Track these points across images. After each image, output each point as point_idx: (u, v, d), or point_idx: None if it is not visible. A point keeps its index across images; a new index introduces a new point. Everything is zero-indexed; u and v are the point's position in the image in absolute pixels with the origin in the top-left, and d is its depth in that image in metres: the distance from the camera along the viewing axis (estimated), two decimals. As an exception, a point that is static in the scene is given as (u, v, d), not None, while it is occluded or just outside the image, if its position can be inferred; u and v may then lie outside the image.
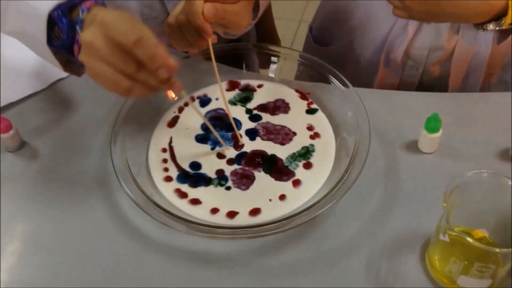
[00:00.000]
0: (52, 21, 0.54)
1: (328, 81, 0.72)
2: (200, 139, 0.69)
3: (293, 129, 0.70)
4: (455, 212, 0.53)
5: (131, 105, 0.69)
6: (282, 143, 0.68)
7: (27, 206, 0.64)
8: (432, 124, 0.63)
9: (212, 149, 0.68)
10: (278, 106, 0.73)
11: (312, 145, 0.67)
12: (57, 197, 0.65)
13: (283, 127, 0.70)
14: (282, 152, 0.67)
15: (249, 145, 0.68)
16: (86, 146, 0.70)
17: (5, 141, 0.68)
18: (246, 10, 0.63)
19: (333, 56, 0.90)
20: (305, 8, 1.95)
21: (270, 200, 0.61)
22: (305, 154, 0.66)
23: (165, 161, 0.66)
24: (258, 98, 0.74)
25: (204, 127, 0.71)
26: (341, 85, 0.70)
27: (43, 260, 0.59)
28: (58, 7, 0.54)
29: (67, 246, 0.60)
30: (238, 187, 0.63)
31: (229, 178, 0.64)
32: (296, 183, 0.63)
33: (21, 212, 0.64)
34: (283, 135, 0.69)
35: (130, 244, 0.60)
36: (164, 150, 0.68)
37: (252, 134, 0.70)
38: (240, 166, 0.65)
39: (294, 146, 0.67)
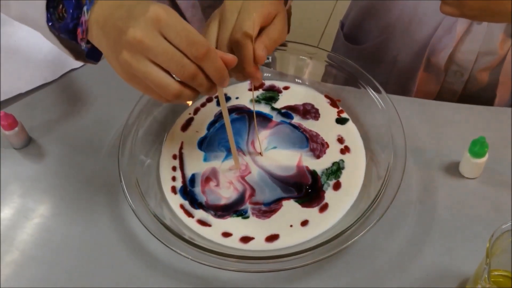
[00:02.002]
0: (59, 0, 0.50)
1: (358, 85, 0.64)
2: (201, 142, 0.63)
3: (326, 139, 0.63)
4: (498, 255, 0.47)
5: (145, 104, 0.64)
6: (318, 156, 0.61)
7: (29, 210, 0.60)
8: (478, 149, 0.56)
9: (205, 159, 0.61)
10: (308, 110, 0.66)
11: (342, 161, 0.60)
12: (62, 203, 0.61)
13: (317, 134, 0.63)
14: (318, 169, 0.60)
15: (270, 157, 0.61)
16: (97, 145, 0.66)
17: (10, 138, 0.64)
18: (285, 21, 0.56)
19: (366, 56, 0.82)
20: (336, 1, 1.82)
21: (291, 226, 0.55)
22: (336, 171, 0.60)
23: (174, 169, 0.61)
24: (285, 100, 0.68)
25: (208, 126, 0.65)
26: (373, 92, 0.63)
27: (41, 271, 0.56)
28: None
29: (66, 257, 0.57)
30: (258, 217, 0.56)
31: (249, 210, 0.57)
32: (324, 208, 0.56)
33: (21, 216, 0.60)
34: (320, 146, 0.62)
35: (133, 260, 0.56)
36: (174, 157, 0.62)
37: (295, 130, 0.62)
38: (266, 208, 0.57)
39: (326, 161, 0.60)
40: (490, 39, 0.71)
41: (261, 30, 0.54)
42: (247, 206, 0.57)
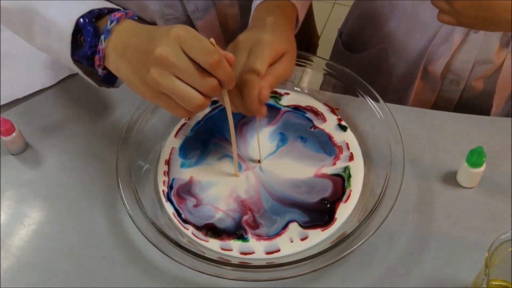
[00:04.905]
0: (77, 28, 0.53)
1: (356, 94, 0.65)
2: (182, 146, 0.63)
3: (339, 143, 0.62)
4: (497, 265, 0.47)
5: (144, 111, 0.64)
6: (334, 163, 0.60)
7: (25, 216, 0.60)
8: (475, 158, 0.56)
9: (182, 165, 0.60)
10: (315, 111, 0.66)
11: (349, 167, 0.60)
12: (59, 209, 0.61)
13: (331, 136, 0.63)
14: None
15: (272, 162, 0.61)
16: (94, 151, 0.66)
17: (7, 144, 0.64)
18: (292, 59, 0.58)
19: (364, 64, 0.83)
20: (331, 9, 1.81)
21: (292, 241, 0.54)
22: (348, 179, 0.58)
23: (164, 173, 0.61)
24: (288, 101, 0.68)
25: (192, 128, 0.65)
26: (372, 101, 0.63)
27: (38, 277, 0.55)
28: (85, 14, 0.53)
29: (63, 264, 0.56)
30: (259, 241, 0.55)
31: (249, 237, 0.55)
32: (329, 226, 0.55)
33: (18, 223, 0.59)
34: (338, 150, 0.61)
35: (130, 266, 0.55)
36: (165, 162, 0.62)
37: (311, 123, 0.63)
38: (270, 236, 0.54)
39: (339, 167, 0.59)
40: (486, 48, 0.72)
41: (268, 67, 0.55)
42: (249, 235, 0.55)
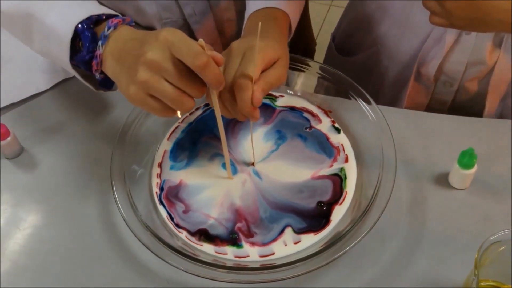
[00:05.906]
0: (76, 33, 0.54)
1: (349, 96, 0.65)
2: (171, 151, 0.63)
3: (336, 145, 0.63)
4: (487, 266, 0.48)
5: (138, 115, 0.65)
6: (332, 165, 0.60)
7: (21, 220, 0.60)
8: (467, 160, 0.57)
9: (171, 168, 0.61)
10: (311, 112, 0.67)
11: (344, 169, 0.60)
12: (53, 213, 0.61)
13: (328, 137, 0.63)
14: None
15: (268, 164, 0.61)
16: (89, 155, 0.66)
17: (2, 148, 0.64)
18: (285, 66, 0.59)
19: (357, 67, 0.83)
20: (327, 11, 1.82)
21: (286, 245, 0.55)
22: (345, 180, 0.59)
23: (158, 176, 0.61)
24: (284, 102, 0.68)
25: (183, 131, 0.65)
26: (364, 103, 0.64)
27: (32, 281, 0.56)
28: (83, 20, 0.53)
29: (57, 267, 0.57)
30: (252, 247, 0.55)
31: (243, 243, 0.55)
32: (322, 230, 0.55)
33: (13, 227, 0.60)
34: (336, 151, 0.61)
35: (125, 270, 0.56)
36: (159, 165, 0.63)
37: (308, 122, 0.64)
38: (265, 243, 0.54)
39: (334, 169, 0.60)
40: (478, 50, 0.72)
41: (261, 73, 0.56)
42: (242, 242, 0.55)
